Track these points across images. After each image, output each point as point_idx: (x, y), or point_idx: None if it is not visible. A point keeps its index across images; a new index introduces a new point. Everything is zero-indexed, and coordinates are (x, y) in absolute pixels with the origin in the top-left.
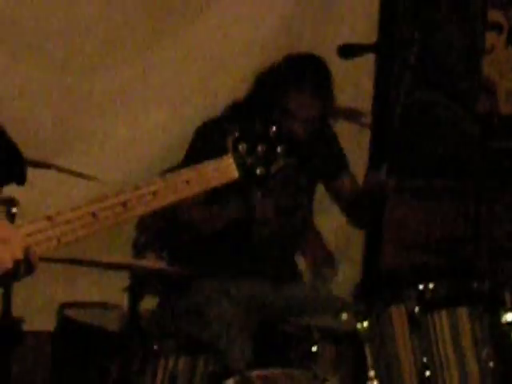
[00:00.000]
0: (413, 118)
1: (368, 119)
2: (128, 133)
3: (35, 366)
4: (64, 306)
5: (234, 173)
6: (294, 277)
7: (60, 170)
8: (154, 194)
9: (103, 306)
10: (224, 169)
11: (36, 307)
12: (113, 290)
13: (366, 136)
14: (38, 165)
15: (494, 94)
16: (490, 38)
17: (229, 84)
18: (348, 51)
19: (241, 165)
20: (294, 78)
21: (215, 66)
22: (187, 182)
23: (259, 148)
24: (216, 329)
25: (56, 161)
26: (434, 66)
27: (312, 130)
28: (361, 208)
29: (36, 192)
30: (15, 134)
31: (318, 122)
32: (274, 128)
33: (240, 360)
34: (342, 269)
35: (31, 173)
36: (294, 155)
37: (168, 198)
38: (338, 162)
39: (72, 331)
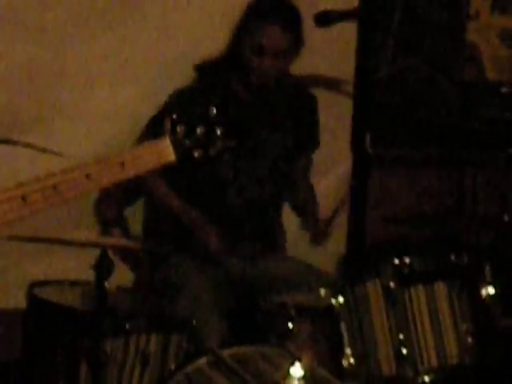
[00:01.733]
0: (396, 87)
1: (350, 88)
2: (100, 107)
3: (6, 344)
4: (33, 284)
5: (170, 156)
6: (273, 250)
7: (31, 147)
8: (87, 176)
9: (73, 283)
10: (161, 151)
11: (7, 286)
12: (84, 266)
13: (347, 105)
14: (8, 142)
15: (479, 61)
16: (475, 3)
17: (200, 56)
18: (326, 18)
19: (178, 147)
20: (265, 14)
21: (186, 38)
22: (122, 164)
23: (198, 130)
24: (188, 305)
25: (27, 137)
26: (417, 33)
27: (280, 69)
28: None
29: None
30: None
31: (287, 59)
32: (214, 110)
33: (214, 337)
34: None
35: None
36: (234, 137)
37: (102, 181)
38: (311, 135)
39: (41, 310)
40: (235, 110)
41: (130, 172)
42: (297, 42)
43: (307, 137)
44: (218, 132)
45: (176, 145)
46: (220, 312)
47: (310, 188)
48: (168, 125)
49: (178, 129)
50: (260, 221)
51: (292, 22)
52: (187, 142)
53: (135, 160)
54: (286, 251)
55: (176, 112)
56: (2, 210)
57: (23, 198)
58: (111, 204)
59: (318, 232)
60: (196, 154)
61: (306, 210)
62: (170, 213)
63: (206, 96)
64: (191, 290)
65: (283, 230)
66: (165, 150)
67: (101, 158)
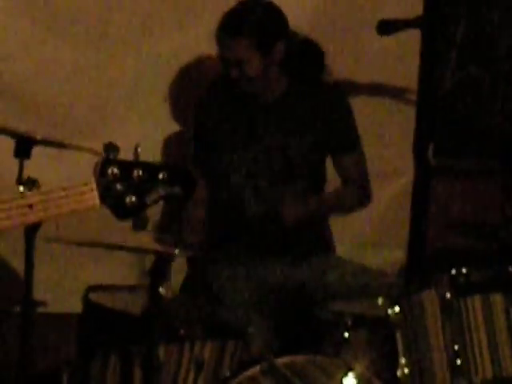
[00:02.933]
0: (459, 96)
1: (413, 97)
2: (153, 112)
3: (61, 349)
4: (89, 289)
5: (94, 200)
6: (323, 250)
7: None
8: None
9: (130, 289)
10: (82, 195)
11: (64, 290)
12: (141, 272)
13: (411, 115)
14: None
15: None
16: None
17: None
18: (388, 27)
19: (106, 192)
20: (219, 27)
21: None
22: (29, 206)
23: (135, 173)
24: (238, 313)
25: (87, 142)
26: (483, 43)
27: (250, 72)
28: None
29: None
30: (49, 113)
31: (255, 64)
32: (139, 150)
33: (257, 345)
34: (388, 251)
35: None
36: (179, 184)
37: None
38: (345, 136)
39: (97, 315)
40: (246, 114)
41: (40, 214)
42: (260, 44)
43: (336, 135)
44: (160, 177)
45: (103, 189)
46: (265, 322)
47: (353, 195)
48: (97, 166)
49: (110, 171)
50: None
51: (241, 27)
52: (119, 186)
53: (47, 203)
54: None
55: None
56: None
57: None
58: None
59: None
60: (128, 201)
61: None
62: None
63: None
64: (237, 299)
65: (330, 232)
66: (88, 194)
67: (5, 198)
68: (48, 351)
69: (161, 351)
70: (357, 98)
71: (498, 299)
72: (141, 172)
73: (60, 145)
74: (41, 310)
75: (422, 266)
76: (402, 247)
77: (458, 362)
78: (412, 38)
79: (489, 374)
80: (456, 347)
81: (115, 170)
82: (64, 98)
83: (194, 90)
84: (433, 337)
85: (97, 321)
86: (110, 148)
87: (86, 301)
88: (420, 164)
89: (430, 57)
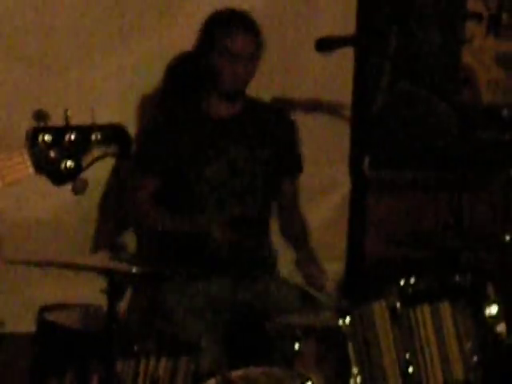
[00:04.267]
0: (393, 110)
1: (348, 112)
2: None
3: (15, 368)
4: (44, 308)
5: (27, 169)
6: (265, 270)
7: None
8: None
9: (83, 308)
10: (14, 166)
11: (17, 309)
12: (94, 291)
13: (346, 129)
14: None
15: (474, 84)
16: (470, 27)
17: None
18: (325, 44)
19: (38, 160)
20: (227, 21)
21: None
22: None
23: (67, 137)
24: (190, 328)
25: None
26: (414, 57)
27: (250, 74)
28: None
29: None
30: None
31: (255, 63)
32: (69, 113)
33: (207, 361)
34: (326, 264)
35: None
36: (115, 142)
37: None
38: (290, 158)
39: (52, 334)
40: (209, 128)
41: None
42: (259, 46)
43: (287, 159)
44: (93, 138)
45: (36, 157)
46: (213, 336)
47: (301, 220)
48: (28, 135)
49: (40, 138)
50: (246, 239)
51: (252, 25)
52: (52, 152)
53: None
54: (279, 272)
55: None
56: None
57: None
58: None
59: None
60: (63, 166)
61: (298, 243)
62: (166, 229)
63: (177, 117)
64: (183, 313)
65: (274, 250)
66: (21, 164)
67: None
68: (2, 371)
69: (117, 368)
70: (293, 113)
71: (445, 307)
72: (73, 136)
73: None
74: None
75: (360, 277)
76: (341, 259)
77: (410, 369)
78: (345, 55)
79: (439, 381)
80: (407, 355)
81: (47, 137)
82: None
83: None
84: (384, 346)
85: (52, 339)
86: (40, 115)
87: (41, 320)
88: (356, 177)
89: (363, 73)
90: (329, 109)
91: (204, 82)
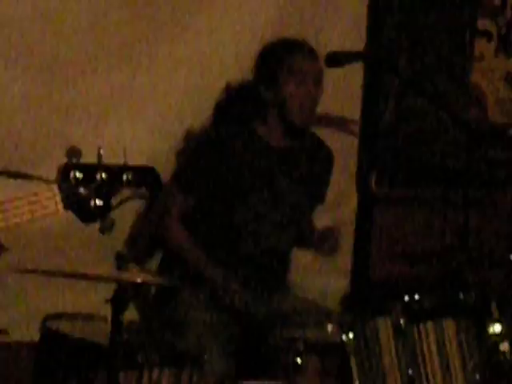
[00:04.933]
0: (401, 127)
1: (356, 127)
2: (111, 142)
3: (18, 377)
4: (48, 317)
5: (56, 206)
6: (281, 289)
7: (46, 181)
8: None
9: (88, 317)
10: (43, 202)
11: (20, 318)
12: (98, 301)
13: (354, 145)
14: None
15: (482, 102)
16: (480, 46)
17: (217, 90)
18: (335, 59)
19: (68, 196)
20: (291, 45)
21: (204, 72)
22: None
23: (98, 176)
24: (193, 342)
25: (40, 171)
26: (423, 74)
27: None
28: None
29: None
30: None
31: (320, 86)
32: (102, 153)
33: (220, 372)
34: (331, 279)
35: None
36: (145, 184)
37: None
38: (323, 190)
39: (55, 343)
40: (260, 156)
41: (1, 223)
42: (322, 71)
43: (319, 189)
44: (124, 178)
45: (66, 194)
46: (223, 350)
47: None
48: (59, 171)
49: (72, 174)
50: (273, 266)
51: (313, 49)
52: (82, 190)
53: (5, 213)
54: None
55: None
56: None
57: None
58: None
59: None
60: (92, 204)
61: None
62: (192, 264)
63: (230, 139)
64: (196, 327)
65: (290, 268)
66: (48, 200)
67: None
68: (5, 380)
69: (121, 378)
70: None
71: (449, 325)
72: (104, 175)
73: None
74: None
75: (365, 293)
76: (346, 275)
77: None
78: (355, 70)
79: None
80: (410, 372)
81: (78, 174)
82: (13, 127)
83: (146, 122)
84: (387, 362)
85: (55, 349)
86: (73, 152)
87: (44, 329)
88: (363, 193)
89: (372, 88)
90: (337, 124)
91: (264, 111)
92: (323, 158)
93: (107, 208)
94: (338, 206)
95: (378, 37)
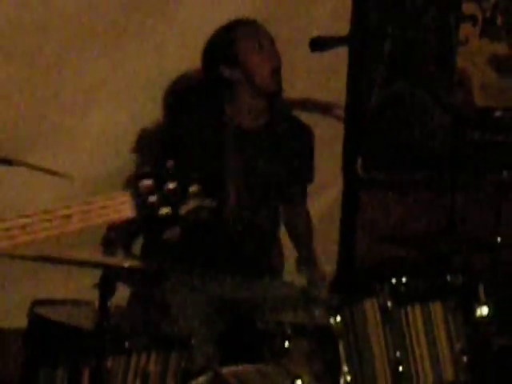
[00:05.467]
0: (386, 111)
1: (341, 112)
2: (99, 129)
3: (6, 363)
4: (35, 303)
5: (129, 211)
6: (268, 273)
7: (31, 167)
8: (23, 227)
9: (75, 303)
10: (117, 206)
11: (8, 305)
12: (86, 286)
13: (339, 130)
14: (8, 162)
15: (467, 86)
16: (464, 29)
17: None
18: (320, 44)
19: (140, 203)
20: (237, 24)
21: (192, 60)
22: (68, 216)
23: (168, 186)
24: (183, 325)
25: (25, 158)
26: (408, 58)
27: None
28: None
29: (4, 190)
30: None
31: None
32: (171, 163)
33: (200, 358)
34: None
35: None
36: (211, 196)
37: (39, 233)
38: (304, 168)
39: (43, 329)
40: (235, 139)
41: (77, 225)
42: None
43: (301, 168)
44: (191, 190)
45: (137, 200)
46: (211, 334)
47: (306, 221)
48: (131, 179)
49: (143, 183)
50: (256, 246)
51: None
52: (152, 198)
53: (85, 214)
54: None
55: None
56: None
57: None
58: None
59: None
60: (162, 212)
61: (300, 243)
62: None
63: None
64: (184, 312)
65: (281, 253)
66: (122, 205)
67: (46, 209)
68: None
69: (109, 364)
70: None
71: (437, 307)
72: (173, 185)
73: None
74: None
75: (352, 276)
76: (333, 259)
77: (400, 368)
78: (339, 55)
79: (429, 380)
80: (398, 354)
81: (149, 182)
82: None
83: (132, 109)
84: (375, 345)
85: (43, 335)
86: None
87: (32, 315)
88: (349, 177)
89: (358, 73)
90: (322, 109)
91: (231, 92)
92: (300, 135)
93: (175, 217)
94: (325, 190)
95: (362, 21)
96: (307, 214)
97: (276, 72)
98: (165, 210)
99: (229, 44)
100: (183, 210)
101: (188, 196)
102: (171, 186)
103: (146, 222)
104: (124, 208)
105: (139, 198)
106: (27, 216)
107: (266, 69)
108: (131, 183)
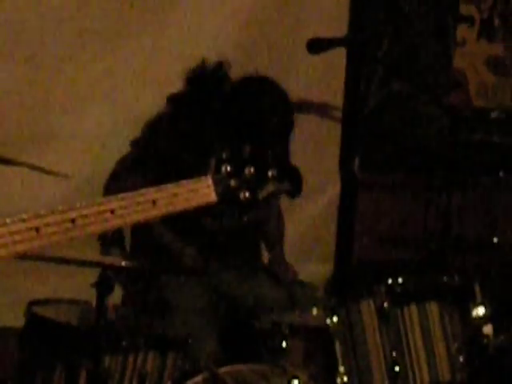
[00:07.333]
0: (384, 112)
1: (339, 113)
2: (96, 128)
3: (2, 362)
4: (33, 303)
5: (211, 196)
6: (259, 268)
7: (30, 167)
8: (112, 212)
9: (72, 302)
10: (200, 191)
11: (5, 303)
12: (83, 286)
13: (336, 130)
14: (6, 162)
15: (465, 87)
16: (462, 30)
17: None
18: (317, 45)
19: (221, 188)
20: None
21: (183, 60)
22: (153, 202)
23: (247, 170)
24: (179, 324)
25: (22, 158)
26: (405, 59)
27: None
28: None
29: (3, 190)
30: None
31: None
32: (249, 148)
33: (205, 356)
34: (315, 264)
35: None
36: (288, 181)
37: (128, 218)
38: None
39: (40, 328)
40: None
41: (162, 210)
42: None
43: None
44: (270, 174)
45: (219, 185)
46: (211, 331)
47: (279, 221)
48: (213, 163)
49: (223, 168)
50: (241, 240)
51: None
52: (233, 182)
53: (169, 198)
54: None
55: (224, 150)
56: (13, 240)
57: (36, 230)
58: None
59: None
60: (242, 196)
61: (271, 243)
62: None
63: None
64: (182, 309)
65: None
66: (205, 190)
67: (128, 194)
68: None
69: (106, 363)
70: None
71: (433, 308)
72: (252, 169)
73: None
74: None
75: (349, 276)
76: (330, 260)
77: (397, 368)
78: (337, 56)
79: (426, 380)
80: (394, 354)
81: (229, 168)
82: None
83: (126, 110)
84: (371, 345)
85: (40, 334)
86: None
87: (29, 314)
88: (346, 178)
89: (355, 74)
90: (320, 110)
91: None
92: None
93: (255, 201)
94: (322, 191)
95: (360, 22)
96: (279, 213)
97: None
98: (245, 194)
99: None
100: (262, 193)
101: (266, 180)
102: (251, 170)
103: (227, 206)
104: (208, 192)
105: (221, 182)
106: (113, 200)
107: None
108: (212, 167)
